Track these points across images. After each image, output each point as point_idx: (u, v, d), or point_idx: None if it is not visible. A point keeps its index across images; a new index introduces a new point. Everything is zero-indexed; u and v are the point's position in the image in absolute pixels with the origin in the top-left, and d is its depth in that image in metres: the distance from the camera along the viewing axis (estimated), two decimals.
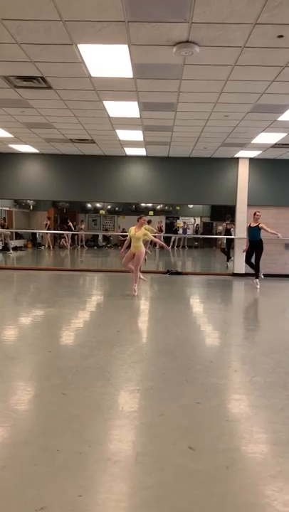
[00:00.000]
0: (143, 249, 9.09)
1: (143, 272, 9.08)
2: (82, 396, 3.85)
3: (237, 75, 6.07)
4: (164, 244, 10.23)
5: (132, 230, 8.97)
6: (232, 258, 15.26)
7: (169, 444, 3.06)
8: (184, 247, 26.06)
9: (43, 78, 6.45)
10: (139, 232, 8.90)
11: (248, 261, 10.87)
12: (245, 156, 12.59)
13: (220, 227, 15.30)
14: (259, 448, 3.05)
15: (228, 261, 15.30)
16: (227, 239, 15.56)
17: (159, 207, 26.28)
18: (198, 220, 27.75)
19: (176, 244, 25.62)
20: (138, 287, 9.05)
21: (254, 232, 10.66)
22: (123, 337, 5.92)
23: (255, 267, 10.80)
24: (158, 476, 2.67)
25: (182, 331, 6.36)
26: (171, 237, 25.31)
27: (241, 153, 12.19)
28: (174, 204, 25.39)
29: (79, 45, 5.25)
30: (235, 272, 12.82)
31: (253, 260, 10.81)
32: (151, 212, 25.58)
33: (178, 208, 26.75)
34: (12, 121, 9.15)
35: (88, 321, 7.19)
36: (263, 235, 10.68)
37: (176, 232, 25.61)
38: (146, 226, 10.78)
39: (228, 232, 15.33)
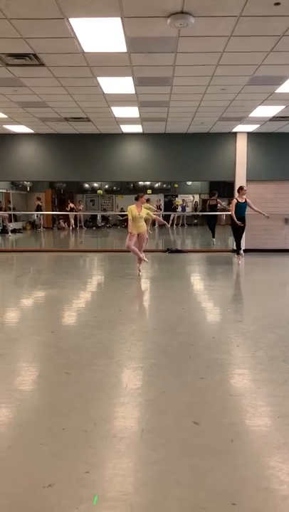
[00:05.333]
0: (146, 229, 8.99)
1: (143, 251, 9.03)
2: (86, 375, 3.87)
3: (233, 46, 5.93)
4: (164, 221, 10.15)
5: (134, 210, 8.62)
6: (214, 240, 15.19)
7: (173, 419, 3.08)
8: (183, 224, 25.97)
9: (35, 55, 6.30)
10: (143, 212, 8.68)
11: (240, 238, 10.63)
12: (243, 131, 12.42)
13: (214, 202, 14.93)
14: (263, 421, 3.08)
15: (213, 237, 15.24)
16: (210, 216, 15.38)
17: (157, 185, 26.05)
18: (196, 197, 27.55)
19: (175, 223, 25.51)
20: (141, 267, 9.03)
21: (244, 208, 10.29)
22: (125, 316, 5.93)
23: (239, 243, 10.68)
24: (163, 451, 2.70)
25: (183, 308, 6.37)
26: (170, 216, 25.19)
27: (239, 128, 12.02)
28: (172, 181, 25.18)
29: (70, 19, 5.10)
30: (235, 248, 12.79)
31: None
32: (149, 191, 25.37)
33: (176, 185, 26.50)
34: (5, 101, 8.99)
35: (90, 301, 7.19)
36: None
37: (174, 210, 25.48)
38: (146, 205, 10.64)
39: (212, 208, 15.11)
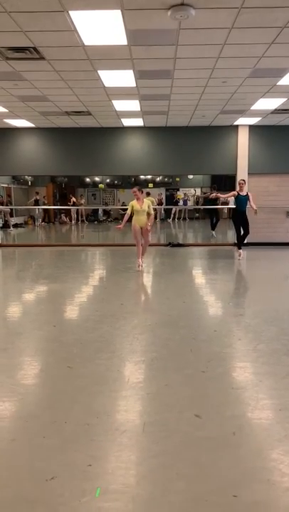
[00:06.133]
0: (146, 221, 8.92)
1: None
2: (88, 369, 3.88)
3: (234, 38, 5.89)
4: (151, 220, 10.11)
5: (136, 204, 8.52)
6: (214, 233, 15.15)
7: (175, 412, 3.09)
8: (184, 218, 25.93)
9: (35, 49, 6.27)
10: (145, 205, 8.58)
11: (239, 233, 10.44)
12: (245, 124, 12.37)
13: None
14: (265, 414, 3.09)
15: (213, 229, 15.20)
16: (210, 210, 15.30)
17: (158, 179, 25.98)
18: (198, 191, 27.48)
19: (176, 216, 25.47)
20: (143, 261, 8.97)
21: (244, 202, 10.10)
22: (127, 310, 5.94)
23: (243, 238, 10.50)
24: (165, 444, 2.71)
25: (185, 302, 6.38)
26: (171, 209, 25.15)
27: (241, 121, 11.97)
28: (173, 175, 25.11)
29: (70, 12, 5.07)
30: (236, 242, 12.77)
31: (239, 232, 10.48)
32: (150, 185, 25.32)
33: (178, 179, 26.43)
34: (6, 95, 8.96)
35: (91, 295, 7.20)
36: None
37: (176, 203, 25.42)
38: (149, 198, 10.60)
39: (213, 203, 15.00)
